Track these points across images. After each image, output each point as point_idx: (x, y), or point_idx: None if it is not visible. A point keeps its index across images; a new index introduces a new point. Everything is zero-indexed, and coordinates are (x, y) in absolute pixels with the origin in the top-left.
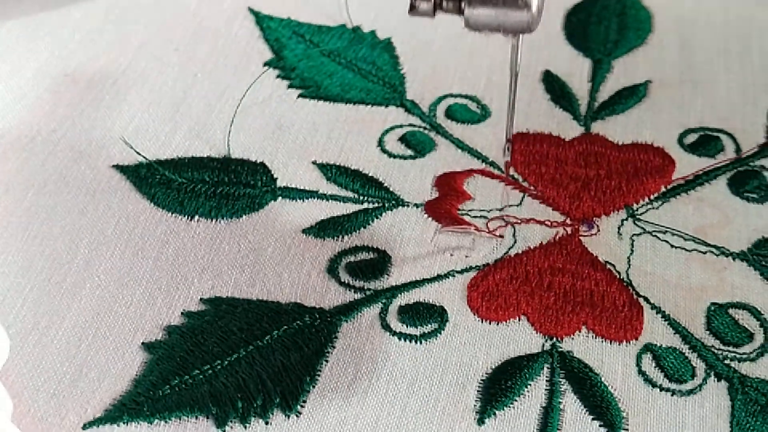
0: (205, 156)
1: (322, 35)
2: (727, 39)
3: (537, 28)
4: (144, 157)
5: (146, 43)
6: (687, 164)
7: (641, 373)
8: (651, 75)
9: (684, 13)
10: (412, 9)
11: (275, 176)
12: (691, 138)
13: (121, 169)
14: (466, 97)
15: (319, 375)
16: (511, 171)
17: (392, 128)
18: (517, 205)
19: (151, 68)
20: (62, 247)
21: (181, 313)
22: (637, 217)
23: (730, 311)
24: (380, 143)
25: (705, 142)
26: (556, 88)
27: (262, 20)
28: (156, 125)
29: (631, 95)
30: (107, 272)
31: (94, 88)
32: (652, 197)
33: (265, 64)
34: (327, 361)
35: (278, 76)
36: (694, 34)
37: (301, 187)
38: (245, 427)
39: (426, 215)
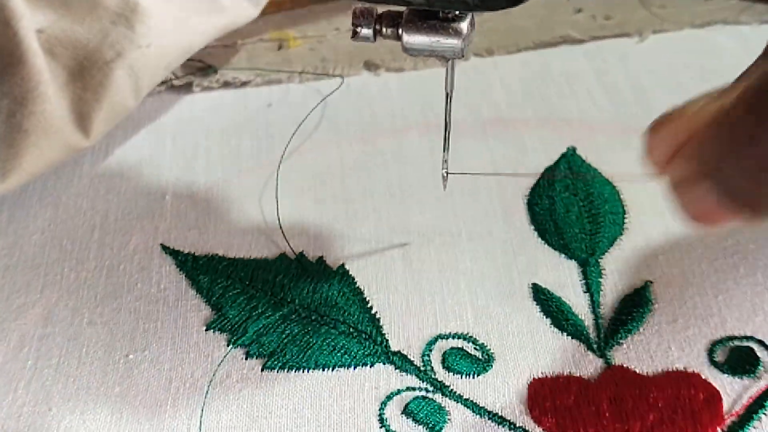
0: None
1: (261, 272)
2: None
3: (503, 228)
4: None
5: (50, 313)
6: (731, 390)
7: None
8: (648, 273)
9: (651, 183)
10: (354, 35)
11: None
12: (722, 354)
13: None
14: (458, 337)
15: None
16: None
17: (390, 397)
18: None
19: (68, 353)
20: None
21: None
22: None
23: None
24: (383, 422)
25: (738, 357)
26: (553, 308)
27: (183, 263)
28: None
29: (637, 305)
30: None
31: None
32: None
33: (207, 328)
34: None
35: (229, 343)
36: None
37: None
38: None
39: None
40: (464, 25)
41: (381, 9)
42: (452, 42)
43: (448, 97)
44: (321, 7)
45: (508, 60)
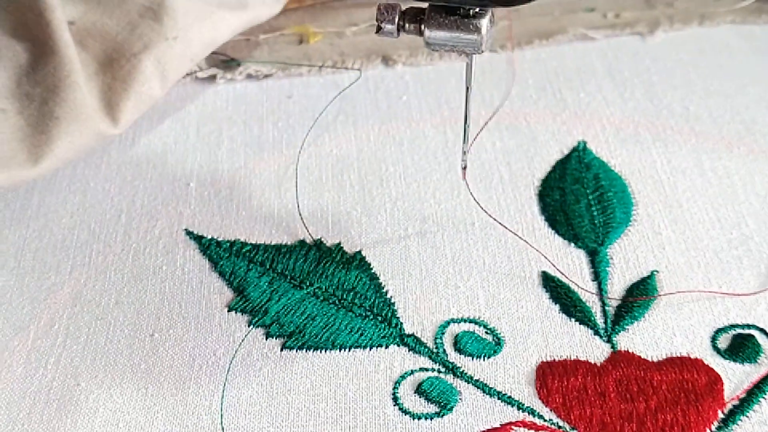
0: None
1: (281, 257)
2: (717, 206)
3: (515, 218)
4: None
5: (79, 293)
6: (732, 375)
7: None
8: (655, 263)
9: (659, 176)
10: (378, 30)
11: None
12: (724, 341)
13: None
14: (470, 321)
15: None
16: (554, 417)
17: (403, 377)
18: None
19: (96, 331)
20: None
21: None
22: None
23: None
24: (396, 400)
25: (740, 344)
26: (561, 294)
27: (206, 247)
28: (126, 416)
29: (643, 293)
30: None
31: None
32: (713, 428)
33: (229, 309)
34: None
35: (250, 324)
36: (681, 202)
37: None
38: None
39: None
40: (484, 22)
41: (404, 5)
42: (472, 38)
43: (468, 90)
44: (340, 3)
45: (521, 55)
